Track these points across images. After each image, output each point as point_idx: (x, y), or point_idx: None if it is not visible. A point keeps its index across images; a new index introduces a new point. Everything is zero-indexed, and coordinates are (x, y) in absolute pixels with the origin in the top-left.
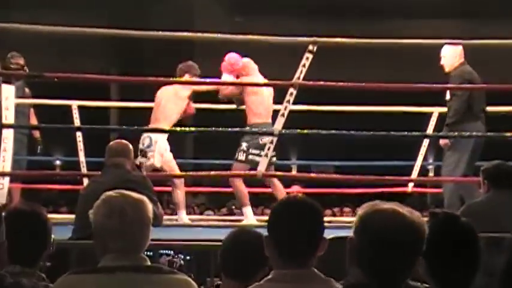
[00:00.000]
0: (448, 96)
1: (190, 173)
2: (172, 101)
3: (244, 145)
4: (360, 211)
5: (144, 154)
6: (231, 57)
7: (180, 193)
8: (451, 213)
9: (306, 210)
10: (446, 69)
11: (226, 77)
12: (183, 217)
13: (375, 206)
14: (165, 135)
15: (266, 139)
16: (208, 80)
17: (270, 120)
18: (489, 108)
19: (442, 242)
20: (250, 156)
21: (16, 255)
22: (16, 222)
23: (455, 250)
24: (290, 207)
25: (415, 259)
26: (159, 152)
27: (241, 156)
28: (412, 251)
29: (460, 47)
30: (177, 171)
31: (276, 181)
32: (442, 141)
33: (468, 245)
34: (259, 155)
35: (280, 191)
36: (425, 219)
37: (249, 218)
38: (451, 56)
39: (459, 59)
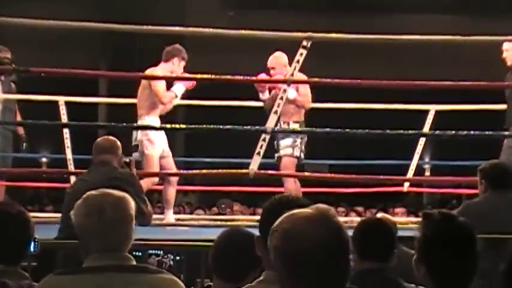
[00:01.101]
0: None
1: (181, 171)
2: (140, 91)
3: (298, 141)
4: (271, 243)
5: (135, 149)
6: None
7: (172, 191)
8: (447, 213)
9: (297, 209)
10: (509, 63)
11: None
12: (170, 217)
13: (283, 229)
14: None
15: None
16: (199, 75)
17: None
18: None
19: (440, 242)
20: (302, 154)
21: None
22: None
23: (454, 250)
24: (282, 206)
25: (348, 251)
26: (148, 139)
27: (297, 152)
28: (343, 246)
29: None
30: (173, 168)
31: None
32: None
33: (467, 244)
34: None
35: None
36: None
37: None
38: None
39: None
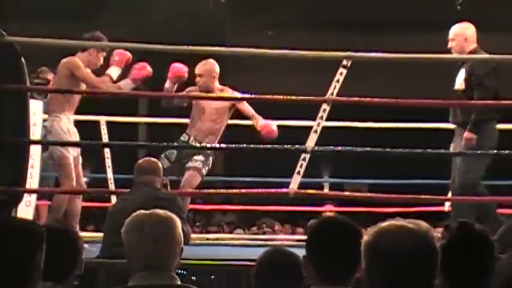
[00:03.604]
0: (461, 86)
1: (221, 190)
2: (56, 82)
3: (211, 159)
4: (365, 238)
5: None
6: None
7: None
8: (465, 221)
9: (345, 230)
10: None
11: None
12: None
13: (379, 228)
14: (68, 122)
15: None
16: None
17: None
18: None
19: (458, 253)
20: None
21: (48, 272)
22: (48, 239)
23: (472, 260)
24: (329, 227)
25: (435, 272)
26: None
27: (204, 171)
28: (430, 265)
29: (473, 29)
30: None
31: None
32: (468, 136)
33: (485, 253)
34: None
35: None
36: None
37: None
38: (461, 38)
39: (472, 43)
